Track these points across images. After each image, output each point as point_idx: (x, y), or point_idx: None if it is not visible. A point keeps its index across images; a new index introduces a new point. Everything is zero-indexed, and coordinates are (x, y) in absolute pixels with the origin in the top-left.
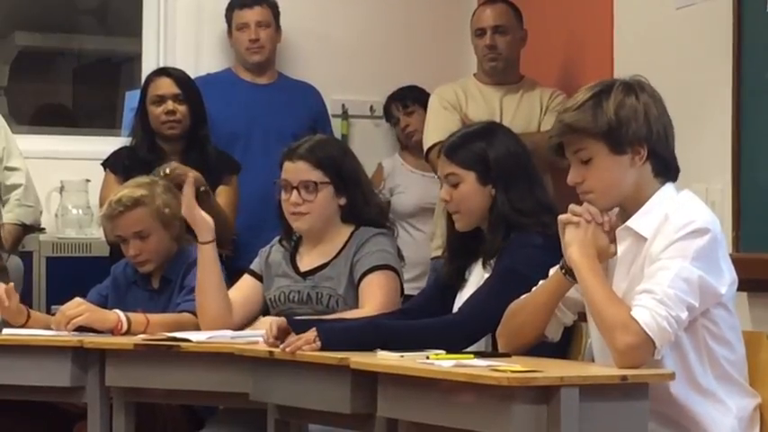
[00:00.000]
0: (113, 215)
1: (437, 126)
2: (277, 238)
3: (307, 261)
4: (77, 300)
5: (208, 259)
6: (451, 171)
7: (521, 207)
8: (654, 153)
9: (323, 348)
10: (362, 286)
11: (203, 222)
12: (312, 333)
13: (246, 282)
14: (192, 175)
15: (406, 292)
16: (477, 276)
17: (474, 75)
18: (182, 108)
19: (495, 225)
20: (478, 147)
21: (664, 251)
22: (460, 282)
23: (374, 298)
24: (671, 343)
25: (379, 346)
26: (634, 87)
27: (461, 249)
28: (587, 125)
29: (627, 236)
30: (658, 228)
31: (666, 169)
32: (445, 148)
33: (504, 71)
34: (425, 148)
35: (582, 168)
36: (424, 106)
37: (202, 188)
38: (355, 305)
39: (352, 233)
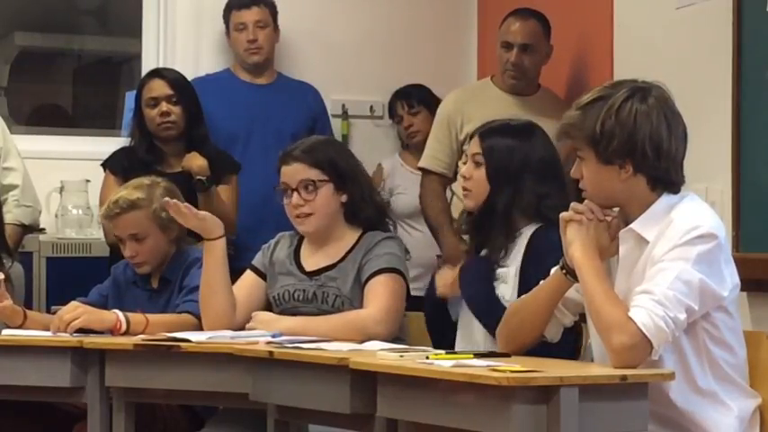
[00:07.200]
0: (111, 216)
1: (431, 147)
2: (279, 235)
3: (312, 261)
4: (74, 303)
5: (217, 256)
6: (478, 152)
7: (550, 204)
8: (641, 171)
9: None
10: (368, 287)
11: (210, 222)
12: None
13: (249, 279)
14: (198, 164)
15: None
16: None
17: (492, 77)
18: (176, 109)
19: (481, 219)
20: (509, 143)
21: (666, 254)
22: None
23: (379, 299)
24: (668, 343)
25: None
26: (634, 96)
27: (477, 224)
28: (577, 131)
29: (629, 238)
30: (662, 231)
31: (664, 184)
32: (483, 130)
33: (524, 86)
34: (419, 164)
35: (581, 165)
36: (430, 107)
37: (205, 179)
38: (360, 306)
39: (359, 237)
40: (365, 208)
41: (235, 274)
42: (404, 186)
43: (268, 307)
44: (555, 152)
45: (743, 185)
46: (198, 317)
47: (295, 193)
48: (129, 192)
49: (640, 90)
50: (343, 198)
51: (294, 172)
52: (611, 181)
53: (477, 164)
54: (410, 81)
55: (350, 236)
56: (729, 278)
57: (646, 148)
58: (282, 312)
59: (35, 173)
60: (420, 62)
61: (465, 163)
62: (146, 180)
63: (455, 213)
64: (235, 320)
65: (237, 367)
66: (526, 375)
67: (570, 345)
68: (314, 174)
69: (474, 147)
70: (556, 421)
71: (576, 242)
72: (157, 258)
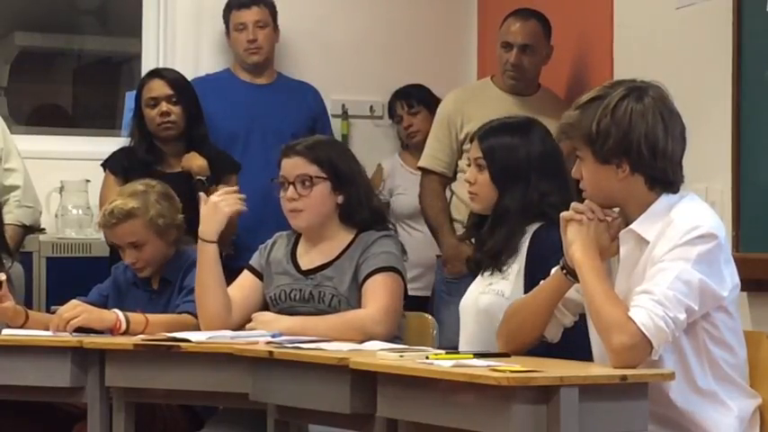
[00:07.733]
0: (107, 225)
1: (431, 147)
2: (277, 235)
3: (307, 259)
4: (73, 302)
5: (209, 258)
6: (479, 156)
7: (552, 201)
8: (638, 170)
9: None
10: (366, 287)
11: (216, 224)
12: None
13: (246, 279)
14: (198, 164)
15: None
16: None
17: (492, 77)
18: (176, 109)
19: (495, 222)
20: (509, 141)
21: (667, 254)
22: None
23: (378, 298)
24: (668, 343)
25: None
26: (630, 95)
27: (484, 226)
28: (575, 130)
29: (629, 239)
30: (662, 231)
31: (662, 183)
32: (481, 132)
33: (524, 86)
34: (419, 164)
35: (580, 165)
36: (429, 107)
37: (205, 179)
38: (358, 305)
39: (355, 236)
40: (361, 211)
41: (234, 274)
42: (404, 186)
43: (265, 307)
44: (556, 147)
45: (743, 185)
46: (197, 317)
47: (291, 187)
48: (123, 201)
49: (637, 89)
50: (340, 199)
51: (293, 165)
52: (609, 180)
53: (480, 167)
54: (410, 81)
55: (344, 235)
56: (729, 278)
57: (641, 147)
58: (280, 312)
59: (35, 173)
60: (420, 62)
61: (469, 165)
62: (139, 186)
63: (455, 213)
64: (230, 320)
65: (237, 367)
66: (526, 375)
67: (571, 345)
68: (312, 170)
69: (474, 151)
70: (556, 421)
71: (577, 242)
72: (157, 262)
